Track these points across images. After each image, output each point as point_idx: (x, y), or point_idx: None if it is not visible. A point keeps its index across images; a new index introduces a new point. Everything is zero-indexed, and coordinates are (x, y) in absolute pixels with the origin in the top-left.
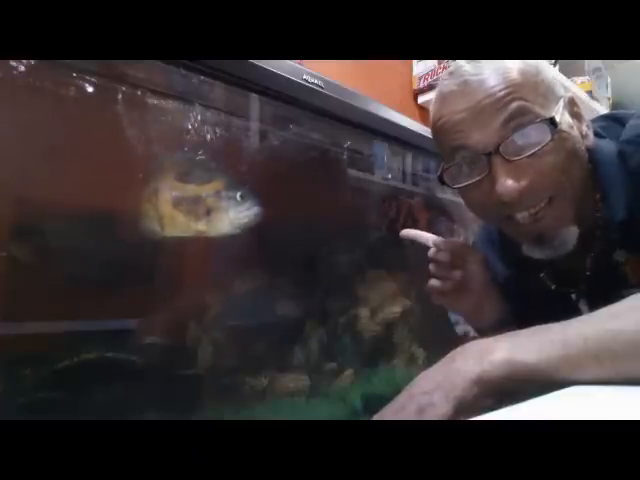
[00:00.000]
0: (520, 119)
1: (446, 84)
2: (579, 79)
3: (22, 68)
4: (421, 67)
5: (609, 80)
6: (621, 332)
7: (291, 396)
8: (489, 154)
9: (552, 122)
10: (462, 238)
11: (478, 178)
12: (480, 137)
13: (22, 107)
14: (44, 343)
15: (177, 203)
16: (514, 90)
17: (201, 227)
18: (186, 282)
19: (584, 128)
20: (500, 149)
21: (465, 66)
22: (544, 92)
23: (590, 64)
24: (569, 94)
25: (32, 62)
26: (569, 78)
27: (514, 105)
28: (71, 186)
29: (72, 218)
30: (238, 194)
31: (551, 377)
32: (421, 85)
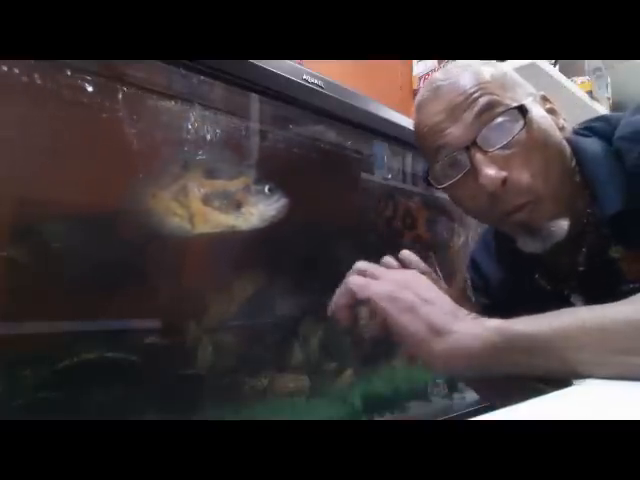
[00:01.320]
0: (491, 112)
1: (421, 94)
2: (579, 79)
3: (24, 68)
4: (421, 67)
5: (609, 80)
6: (613, 312)
7: (291, 396)
8: (467, 148)
9: (521, 110)
10: (462, 239)
11: (461, 175)
12: (456, 133)
13: (32, 109)
14: (44, 343)
15: (207, 200)
16: (483, 87)
17: (233, 222)
18: (185, 282)
19: (561, 121)
20: (477, 141)
21: (436, 74)
22: (512, 87)
23: (590, 64)
24: (540, 93)
25: (33, 62)
26: (569, 78)
27: (484, 99)
28: (73, 185)
29: (72, 218)
30: (266, 187)
31: (539, 344)
32: (421, 85)
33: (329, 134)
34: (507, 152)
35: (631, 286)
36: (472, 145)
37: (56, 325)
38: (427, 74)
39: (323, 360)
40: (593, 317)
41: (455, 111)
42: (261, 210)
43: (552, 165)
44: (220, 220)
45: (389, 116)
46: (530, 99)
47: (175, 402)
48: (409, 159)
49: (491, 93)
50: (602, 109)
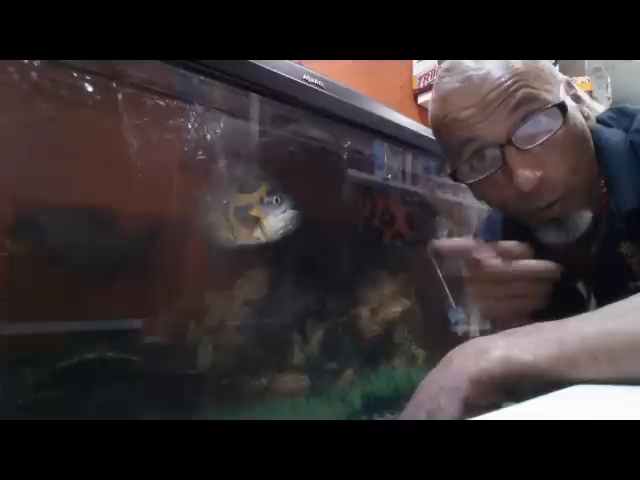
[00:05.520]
0: (528, 106)
1: (447, 81)
2: (579, 79)
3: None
4: (421, 67)
5: (609, 80)
6: (620, 331)
7: (291, 396)
8: (502, 145)
9: (562, 107)
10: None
11: (492, 171)
12: (490, 128)
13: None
14: (44, 343)
15: (236, 214)
16: (519, 79)
17: (256, 234)
18: (186, 282)
19: (585, 109)
20: (513, 139)
21: (465, 61)
22: (547, 78)
23: (590, 64)
24: (565, 77)
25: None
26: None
27: (521, 93)
28: (78, 183)
29: (74, 216)
30: (274, 198)
31: (548, 374)
32: (421, 85)
33: (327, 134)
34: (541, 149)
35: (639, 283)
36: (507, 142)
37: (56, 325)
38: (427, 74)
39: (323, 360)
40: (600, 342)
41: (489, 106)
42: (271, 222)
43: (583, 159)
44: (247, 233)
45: (389, 116)
46: (562, 89)
47: (175, 402)
48: (409, 159)
49: (527, 85)
50: (602, 109)
